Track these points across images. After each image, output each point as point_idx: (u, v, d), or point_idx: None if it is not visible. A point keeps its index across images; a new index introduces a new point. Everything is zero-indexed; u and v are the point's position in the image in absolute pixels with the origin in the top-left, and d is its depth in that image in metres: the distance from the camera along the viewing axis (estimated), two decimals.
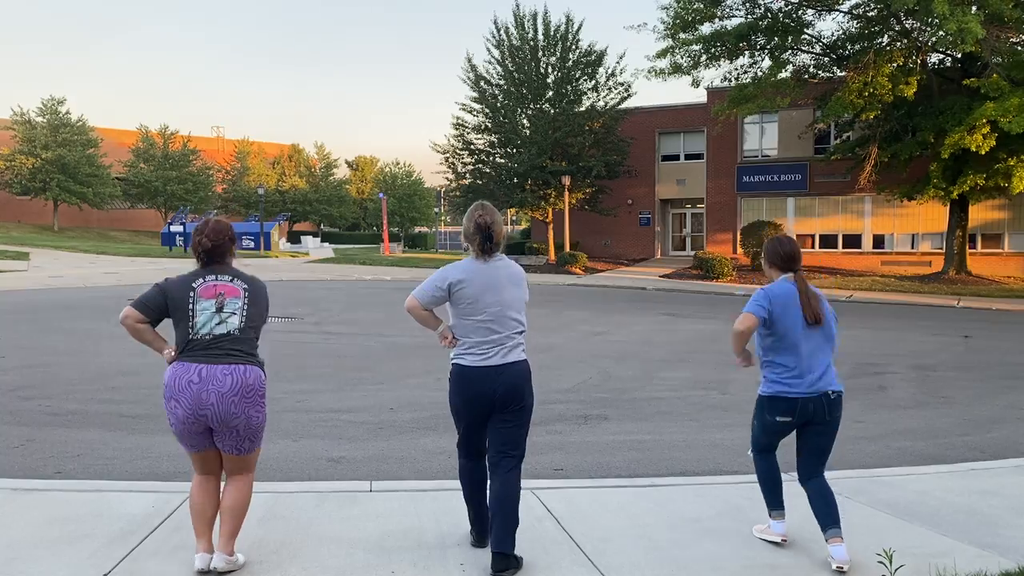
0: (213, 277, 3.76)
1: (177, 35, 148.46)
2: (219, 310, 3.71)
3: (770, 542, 4.27)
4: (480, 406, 3.97)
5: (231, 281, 3.78)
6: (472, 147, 34.58)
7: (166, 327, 3.79)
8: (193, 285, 3.73)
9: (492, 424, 4.01)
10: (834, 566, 3.91)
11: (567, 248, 32.54)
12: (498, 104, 33.46)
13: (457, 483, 4.23)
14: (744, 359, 4.28)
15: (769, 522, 4.31)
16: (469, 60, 33.67)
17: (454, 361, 4.02)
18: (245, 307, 3.76)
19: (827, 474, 4.28)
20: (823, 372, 4.15)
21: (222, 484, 3.88)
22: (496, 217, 4.02)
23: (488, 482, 4.05)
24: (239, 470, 3.82)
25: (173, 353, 3.73)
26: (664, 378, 10.00)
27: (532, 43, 32.92)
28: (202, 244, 3.78)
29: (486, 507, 4.05)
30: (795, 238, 4.49)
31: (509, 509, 3.88)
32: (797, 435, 4.24)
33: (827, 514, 4.04)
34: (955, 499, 5.11)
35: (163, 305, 3.74)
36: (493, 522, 3.90)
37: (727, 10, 25.88)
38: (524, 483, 4.84)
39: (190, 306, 3.70)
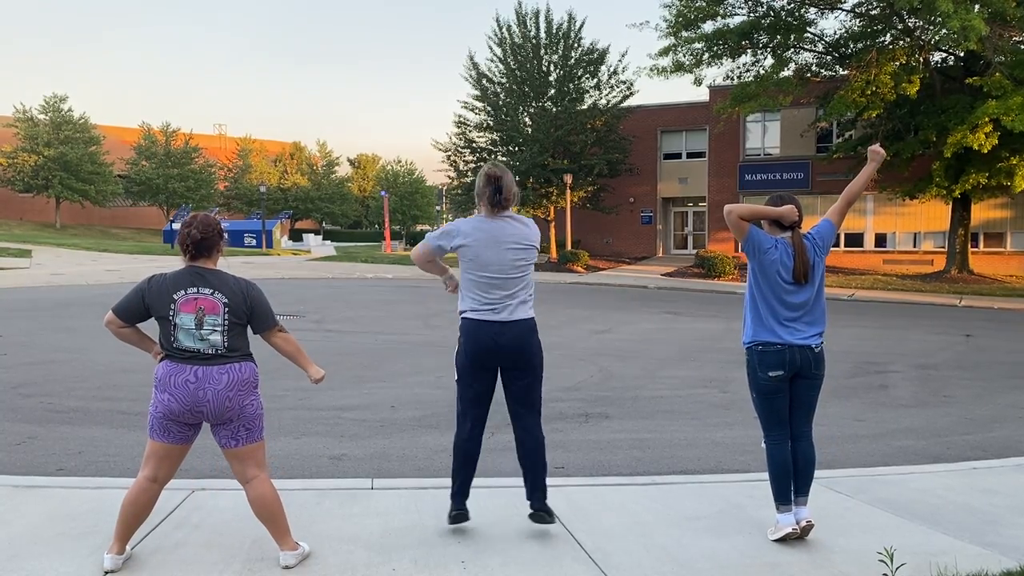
0: (195, 290, 3.66)
1: (179, 33, 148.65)
2: (199, 327, 3.64)
3: (782, 539, 4.20)
4: (486, 360, 4.08)
5: (212, 294, 3.67)
6: (474, 145, 34.61)
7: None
8: (174, 296, 3.65)
9: (505, 384, 4.18)
10: (803, 523, 4.20)
11: (569, 246, 32.54)
12: (500, 102, 33.47)
13: None
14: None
15: (776, 518, 4.26)
16: (471, 58, 33.74)
17: (462, 315, 4.16)
18: (226, 324, 3.68)
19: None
20: (809, 326, 4.24)
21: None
22: (507, 174, 4.12)
23: (478, 452, 4.29)
24: (246, 469, 3.80)
25: (162, 353, 3.73)
26: (666, 376, 10.00)
27: (534, 41, 32.93)
28: (191, 236, 3.69)
29: (471, 480, 4.26)
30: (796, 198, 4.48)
31: (538, 459, 4.20)
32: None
33: (804, 482, 4.27)
34: (956, 498, 5.10)
35: (142, 310, 3.72)
36: (526, 476, 4.21)
37: (729, 8, 25.88)
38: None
39: (170, 317, 3.65)
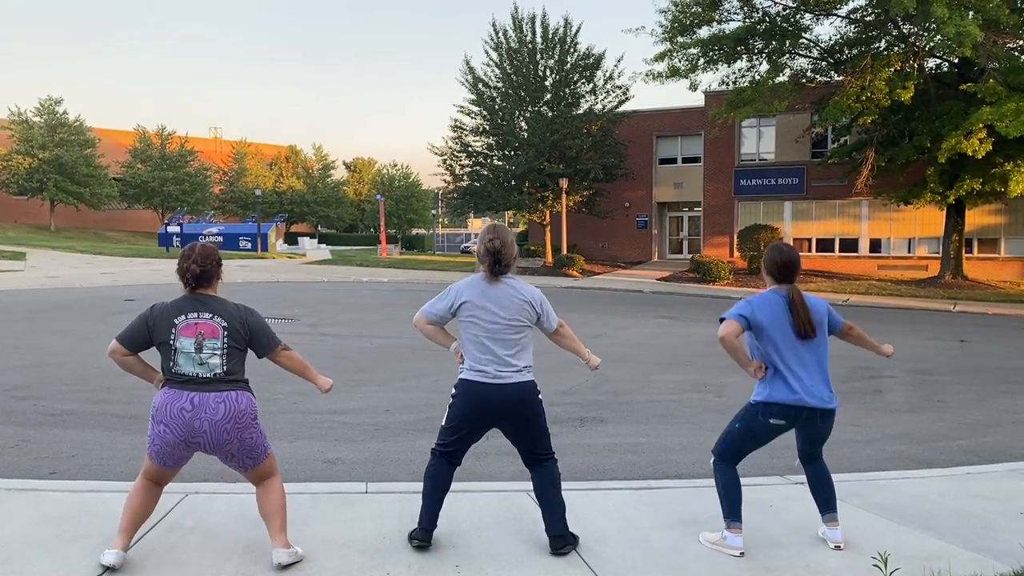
0: (195, 315, 3.74)
1: (176, 35, 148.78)
2: (198, 351, 3.71)
3: (727, 554, 4.15)
4: (481, 418, 4.09)
5: (212, 319, 3.75)
6: (470, 149, 34.62)
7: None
8: (175, 321, 3.73)
9: (510, 437, 4.19)
10: (831, 545, 4.24)
11: (564, 251, 32.53)
12: (496, 106, 33.48)
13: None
14: (756, 367, 4.17)
15: (724, 533, 4.21)
16: (467, 62, 33.85)
17: (460, 376, 4.15)
18: (225, 348, 3.75)
19: None
20: (818, 385, 4.15)
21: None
22: (507, 239, 4.13)
23: (450, 485, 4.21)
24: (259, 479, 3.94)
25: (163, 380, 3.82)
26: (661, 381, 10.00)
27: (530, 46, 32.97)
28: (190, 270, 3.78)
29: (439, 510, 4.16)
30: (792, 244, 4.43)
31: (555, 495, 4.13)
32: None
33: (825, 501, 4.31)
34: (950, 503, 5.12)
35: (147, 338, 3.80)
36: (544, 511, 4.14)
37: (725, 14, 25.92)
38: (518, 485, 4.85)
39: (171, 341, 3.72)
